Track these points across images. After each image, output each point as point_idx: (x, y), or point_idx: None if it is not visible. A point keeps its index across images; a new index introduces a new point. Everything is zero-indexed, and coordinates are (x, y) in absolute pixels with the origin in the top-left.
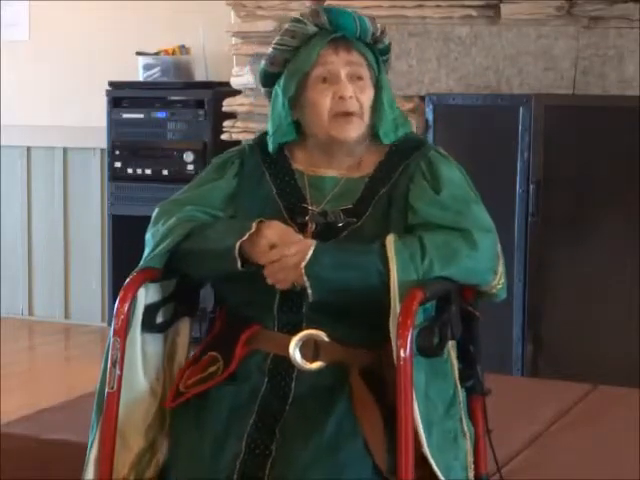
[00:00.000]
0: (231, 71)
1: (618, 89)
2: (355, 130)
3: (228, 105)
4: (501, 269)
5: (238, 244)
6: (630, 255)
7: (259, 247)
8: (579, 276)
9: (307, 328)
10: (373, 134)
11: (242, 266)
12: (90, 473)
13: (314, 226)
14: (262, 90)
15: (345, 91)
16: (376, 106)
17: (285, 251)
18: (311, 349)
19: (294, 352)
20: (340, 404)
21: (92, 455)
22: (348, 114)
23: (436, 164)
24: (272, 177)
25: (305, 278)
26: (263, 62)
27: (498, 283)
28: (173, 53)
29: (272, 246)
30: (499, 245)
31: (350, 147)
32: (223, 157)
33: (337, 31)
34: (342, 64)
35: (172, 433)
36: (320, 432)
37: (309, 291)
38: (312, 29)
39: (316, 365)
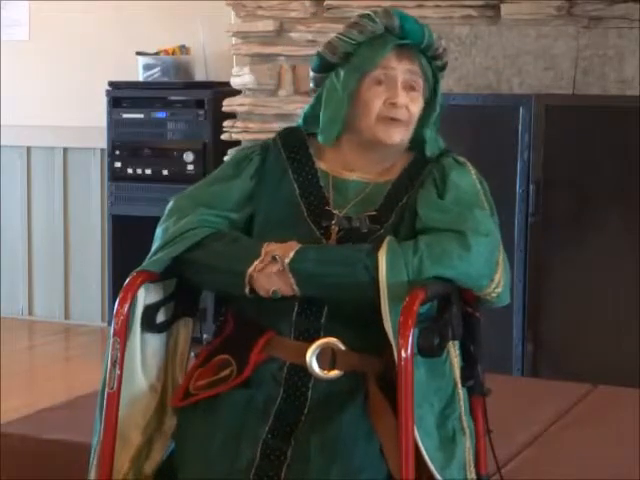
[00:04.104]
0: (231, 71)
1: (618, 89)
2: (400, 135)
3: (228, 105)
4: (500, 277)
5: (248, 273)
6: (630, 255)
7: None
8: (579, 276)
9: (324, 336)
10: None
11: (250, 292)
12: (94, 474)
13: (337, 230)
14: (311, 74)
15: (399, 99)
16: (426, 121)
17: (268, 248)
18: (328, 358)
19: (311, 361)
20: (355, 409)
21: (96, 455)
22: (396, 120)
23: (447, 170)
24: (295, 175)
25: (290, 274)
26: (322, 48)
27: (493, 291)
28: (173, 53)
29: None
30: (501, 252)
31: (389, 152)
32: (243, 152)
33: (405, 37)
34: (402, 71)
35: (179, 432)
36: (336, 436)
37: (295, 287)
38: (380, 29)
39: (333, 374)
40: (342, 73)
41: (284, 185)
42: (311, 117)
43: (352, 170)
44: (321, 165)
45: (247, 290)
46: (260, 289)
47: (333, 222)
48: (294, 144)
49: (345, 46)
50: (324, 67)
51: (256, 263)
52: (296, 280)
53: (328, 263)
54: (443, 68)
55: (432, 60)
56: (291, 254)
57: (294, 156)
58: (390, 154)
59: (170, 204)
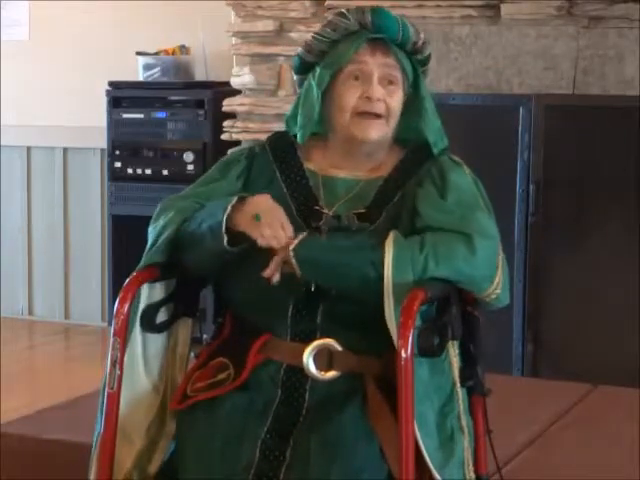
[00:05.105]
0: (231, 71)
1: (618, 89)
2: (376, 132)
3: (228, 105)
4: (499, 278)
5: (225, 217)
6: (630, 255)
7: (244, 212)
8: (579, 276)
9: (320, 337)
10: (395, 138)
11: (229, 243)
12: (94, 473)
13: (327, 230)
14: (294, 77)
15: (374, 92)
16: (420, 114)
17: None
18: (325, 359)
19: (308, 362)
20: (354, 409)
21: (96, 454)
22: (373, 115)
23: (446, 170)
24: (283, 177)
25: (294, 261)
26: (300, 49)
27: (493, 292)
28: (173, 53)
29: (256, 216)
30: (501, 254)
31: (370, 149)
32: (231, 156)
33: (378, 32)
34: (376, 65)
35: (178, 434)
36: (336, 436)
37: (298, 272)
38: (354, 26)
39: (330, 375)
40: (318, 71)
41: (273, 187)
42: (293, 119)
43: (343, 168)
44: (309, 166)
45: (225, 240)
46: (243, 216)
47: (322, 222)
48: (282, 148)
49: (320, 45)
50: (304, 68)
51: (229, 208)
52: (300, 266)
53: (334, 251)
54: (425, 62)
55: (412, 54)
56: (296, 240)
57: (282, 159)
58: (375, 151)
59: (158, 207)
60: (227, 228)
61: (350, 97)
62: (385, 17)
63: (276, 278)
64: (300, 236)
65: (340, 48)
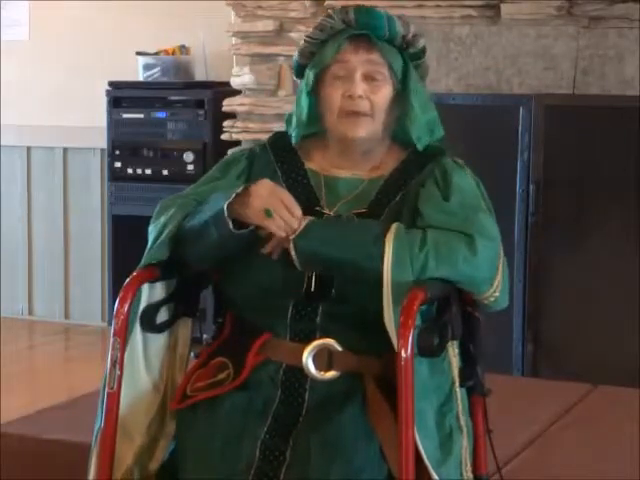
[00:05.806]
0: (231, 71)
1: (618, 89)
2: (363, 129)
3: (228, 105)
4: (499, 281)
5: (226, 205)
6: (630, 255)
7: (253, 209)
8: (579, 276)
9: (320, 337)
10: (394, 136)
11: (234, 227)
12: (93, 472)
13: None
14: (297, 81)
15: (354, 90)
16: (406, 110)
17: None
18: (324, 358)
19: (307, 362)
20: (354, 409)
21: (94, 454)
22: (356, 113)
23: (449, 172)
24: (284, 177)
25: (293, 252)
26: (296, 52)
27: (491, 295)
28: (173, 53)
29: (267, 211)
30: (502, 257)
31: (363, 146)
32: (231, 156)
33: (362, 29)
34: (359, 63)
35: (178, 434)
36: (336, 436)
37: (296, 263)
38: (339, 25)
39: (330, 375)
40: (306, 72)
41: None
42: (291, 120)
43: (343, 168)
44: (310, 166)
45: (230, 225)
46: (252, 212)
47: None
48: (283, 148)
49: (310, 46)
50: (300, 72)
51: (233, 195)
52: (297, 257)
53: (334, 245)
54: (419, 55)
55: (403, 48)
56: (300, 228)
57: (283, 159)
58: (370, 149)
59: (157, 206)
60: (231, 218)
61: (335, 97)
62: (369, 14)
63: (275, 255)
64: (303, 224)
65: (326, 48)
